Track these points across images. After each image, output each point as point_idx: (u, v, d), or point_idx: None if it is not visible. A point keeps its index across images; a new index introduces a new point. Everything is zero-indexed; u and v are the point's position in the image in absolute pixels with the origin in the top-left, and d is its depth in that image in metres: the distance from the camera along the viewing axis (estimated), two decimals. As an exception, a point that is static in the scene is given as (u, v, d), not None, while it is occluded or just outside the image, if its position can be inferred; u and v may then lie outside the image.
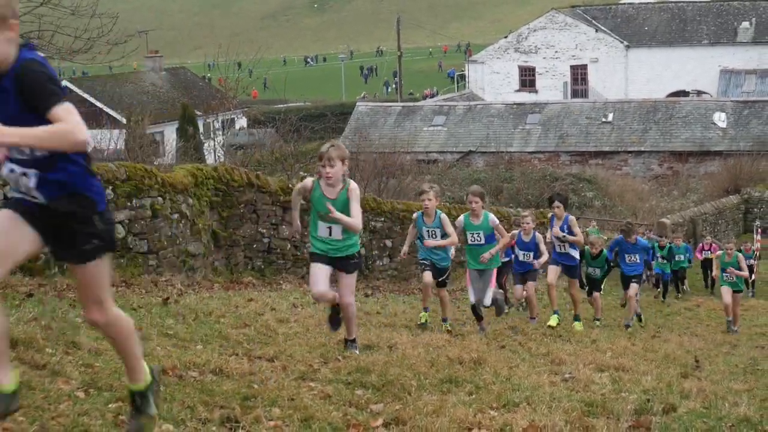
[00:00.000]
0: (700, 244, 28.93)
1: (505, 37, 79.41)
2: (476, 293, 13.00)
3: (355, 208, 9.00)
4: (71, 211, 4.84)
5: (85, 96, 56.61)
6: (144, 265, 13.37)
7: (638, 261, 17.24)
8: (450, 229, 12.31)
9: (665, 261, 24.59)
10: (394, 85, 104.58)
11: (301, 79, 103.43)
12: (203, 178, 15.26)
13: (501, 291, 15.12)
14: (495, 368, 9.12)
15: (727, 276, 18.27)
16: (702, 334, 17.09)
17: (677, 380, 9.72)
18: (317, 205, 9.03)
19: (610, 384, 8.99)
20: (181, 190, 14.43)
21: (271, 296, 13.67)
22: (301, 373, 7.89)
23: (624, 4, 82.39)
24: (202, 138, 43.32)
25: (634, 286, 17.31)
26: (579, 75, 75.46)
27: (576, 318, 15.34)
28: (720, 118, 53.22)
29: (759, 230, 34.67)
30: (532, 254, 15.32)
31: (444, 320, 12.97)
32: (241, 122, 53.47)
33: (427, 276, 12.71)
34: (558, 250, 15.19)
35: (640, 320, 17.88)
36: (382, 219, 20.42)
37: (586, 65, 75.04)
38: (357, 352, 9.28)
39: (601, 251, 17.40)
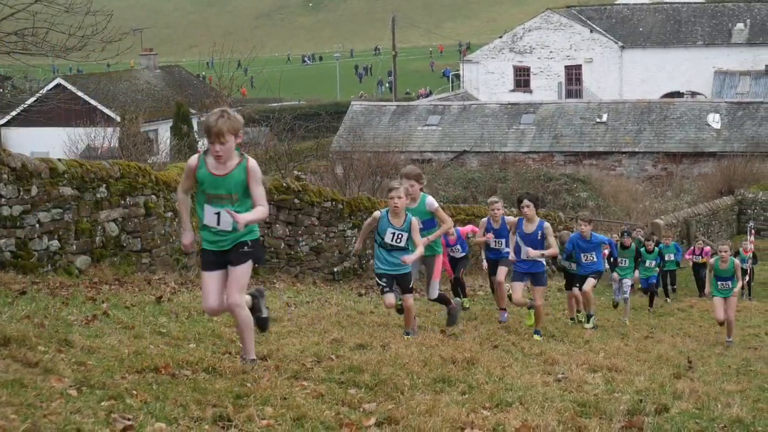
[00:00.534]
0: (692, 247, 28.04)
1: (500, 37, 79.38)
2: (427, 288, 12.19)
3: (257, 190, 7.60)
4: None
5: (79, 93, 56.53)
6: (137, 263, 13.36)
7: (596, 259, 15.88)
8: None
9: (653, 265, 22.08)
10: (387, 85, 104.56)
11: (295, 78, 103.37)
12: (197, 176, 15.21)
13: (458, 300, 13.84)
14: (488, 368, 9.13)
15: (721, 284, 16.36)
16: (695, 334, 17.10)
17: (670, 381, 9.73)
18: (205, 185, 7.59)
19: (602, 384, 9.00)
20: (175, 188, 14.40)
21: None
22: (294, 372, 7.88)
23: (619, 4, 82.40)
24: (196, 136, 43.30)
25: (590, 281, 15.85)
26: (573, 75, 75.48)
27: (536, 332, 13.32)
28: (714, 120, 53.26)
29: (752, 231, 34.65)
30: (504, 241, 14.34)
31: (407, 333, 11.13)
32: (236, 121, 53.29)
33: (389, 299, 11.08)
34: (524, 256, 13.37)
35: (588, 320, 15.94)
36: (376, 218, 20.39)
37: (581, 65, 75.06)
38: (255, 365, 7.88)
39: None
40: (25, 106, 50.93)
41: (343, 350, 9.23)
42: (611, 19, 77.14)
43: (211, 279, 7.65)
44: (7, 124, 58.39)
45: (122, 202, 13.10)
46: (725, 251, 16.40)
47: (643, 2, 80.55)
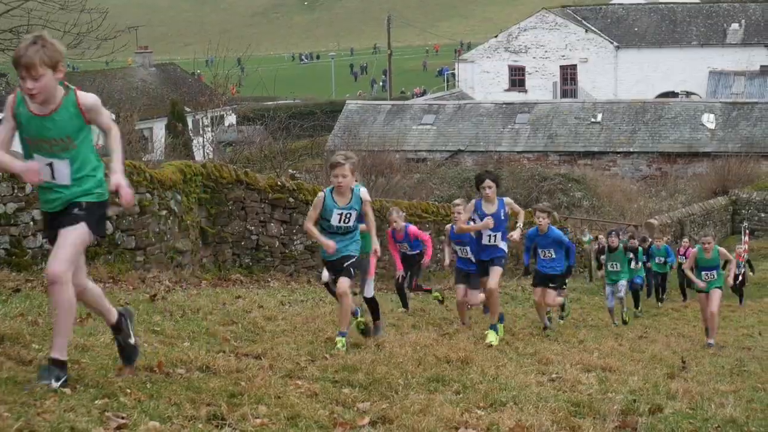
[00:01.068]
0: (678, 248, 26.85)
1: (495, 36, 79.45)
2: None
3: (101, 119, 6.31)
4: None
5: (74, 91, 56.39)
6: (131, 262, 13.35)
7: (554, 256, 14.25)
8: (369, 209, 10.06)
9: (638, 267, 21.37)
10: (381, 83, 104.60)
11: (291, 76, 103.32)
12: (192, 174, 15.23)
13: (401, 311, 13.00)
14: (482, 367, 9.13)
15: (705, 275, 15.46)
16: (689, 334, 17.11)
17: (664, 381, 9.73)
18: (28, 128, 6.28)
19: (596, 384, 9.00)
20: (170, 186, 14.41)
21: (258, 294, 13.66)
22: (288, 371, 7.88)
23: (614, 4, 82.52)
24: (191, 134, 43.27)
25: (550, 293, 14.57)
26: (568, 75, 75.57)
27: (492, 326, 12.15)
28: (709, 120, 53.35)
29: (746, 232, 34.74)
30: (468, 249, 13.35)
31: (340, 334, 9.74)
32: (231, 119, 53.38)
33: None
34: (486, 242, 12.53)
35: (544, 329, 14.44)
36: (371, 217, 20.39)
37: (576, 65, 75.16)
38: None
39: None
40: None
41: (337, 349, 9.23)
42: (606, 19, 77.24)
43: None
44: (2, 121, 58.14)
45: (116, 200, 13.07)
46: (708, 242, 15.40)
47: (638, 2, 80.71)
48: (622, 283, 18.41)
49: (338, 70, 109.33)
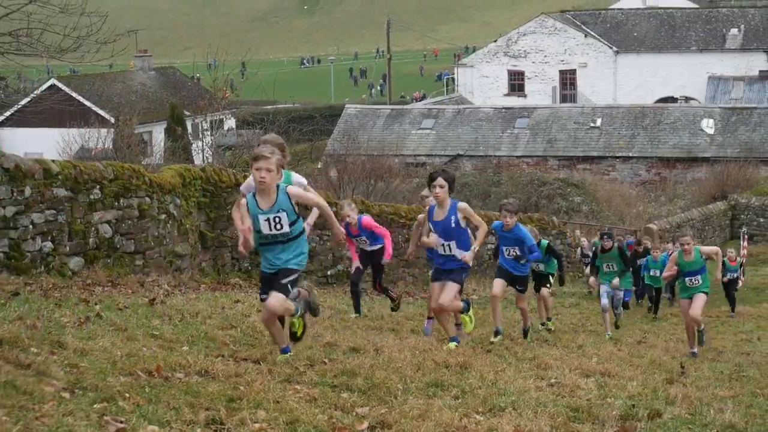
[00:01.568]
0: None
1: (495, 41, 79.49)
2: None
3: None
4: None
5: (74, 94, 56.48)
6: (131, 265, 13.34)
7: (518, 252, 13.02)
8: (312, 196, 9.09)
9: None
10: (378, 88, 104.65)
11: (290, 80, 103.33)
12: (191, 178, 15.23)
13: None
14: (481, 373, 9.12)
15: (689, 281, 14.12)
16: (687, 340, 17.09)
17: (663, 386, 9.73)
18: None
19: (595, 389, 9.00)
20: (169, 190, 14.40)
21: (257, 298, 13.65)
22: (287, 376, 7.88)
23: (613, 9, 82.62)
24: (190, 138, 43.26)
25: (521, 295, 13.55)
26: (568, 80, 75.61)
27: (453, 339, 11.16)
28: (708, 125, 53.38)
29: (746, 237, 34.75)
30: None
31: (284, 351, 8.70)
32: (230, 123, 53.40)
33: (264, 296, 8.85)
34: (441, 252, 11.11)
35: (525, 335, 13.77)
36: (370, 221, 20.39)
37: (575, 70, 75.20)
38: None
39: (539, 242, 15.81)
40: (19, 106, 50.86)
41: (336, 354, 9.23)
42: (606, 24, 77.31)
43: None
44: (1, 124, 58.39)
45: (116, 203, 13.07)
46: (687, 243, 13.94)
47: (637, 7, 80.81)
48: (619, 295, 17.89)
49: (337, 74, 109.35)
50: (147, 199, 13.78)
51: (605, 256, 17.25)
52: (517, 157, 53.97)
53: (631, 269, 18.83)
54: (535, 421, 7.12)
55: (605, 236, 17.50)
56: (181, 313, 10.55)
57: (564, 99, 73.99)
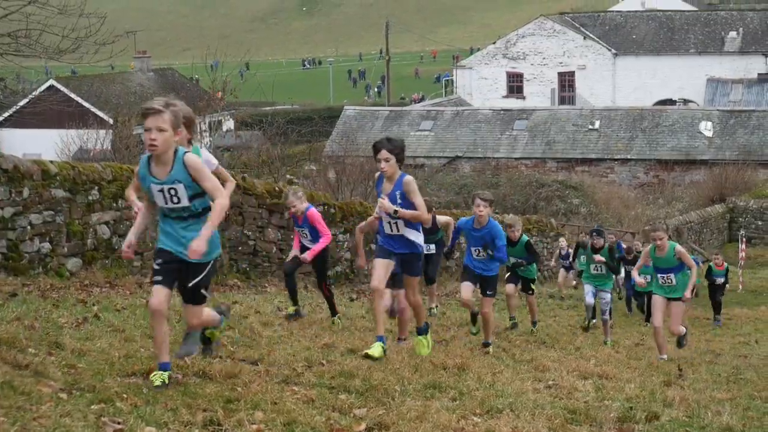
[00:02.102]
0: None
1: (494, 42, 79.51)
2: None
3: None
4: None
5: (72, 95, 56.46)
6: (128, 266, 13.34)
7: (489, 253, 11.75)
8: (210, 178, 7.06)
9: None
10: (376, 89, 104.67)
11: (289, 82, 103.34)
12: (189, 179, 15.20)
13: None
14: (479, 374, 9.13)
15: (662, 278, 13.21)
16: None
17: (660, 388, 9.73)
18: None
19: (593, 392, 9.00)
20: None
21: (255, 299, 13.66)
22: (285, 377, 7.88)
23: (612, 12, 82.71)
24: (189, 139, 43.16)
25: (487, 300, 12.02)
26: (566, 82, 75.61)
27: (421, 330, 10.02)
28: (706, 127, 53.38)
29: (744, 239, 34.75)
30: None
31: (162, 367, 7.04)
32: (229, 124, 53.37)
33: (156, 296, 7.06)
34: (388, 231, 9.53)
35: (486, 346, 11.99)
36: (368, 223, 20.39)
37: (574, 72, 75.21)
38: None
39: (521, 236, 14.84)
40: (18, 107, 50.82)
41: (334, 355, 9.23)
42: (604, 26, 77.33)
43: None
44: (0, 125, 58.39)
45: (114, 204, 13.07)
46: (660, 237, 12.99)
47: (636, 10, 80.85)
48: (606, 298, 15.96)
49: (336, 75, 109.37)
50: (145, 200, 13.77)
51: (594, 256, 15.69)
52: (515, 158, 53.97)
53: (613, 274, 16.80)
54: (532, 423, 7.13)
55: (595, 233, 15.96)
56: (178, 314, 10.55)
57: (563, 101, 74.01)
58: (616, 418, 7.76)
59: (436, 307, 15.86)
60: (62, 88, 57.61)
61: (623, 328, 18.73)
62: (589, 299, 16.16)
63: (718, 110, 56.81)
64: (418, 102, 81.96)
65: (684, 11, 79.28)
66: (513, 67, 76.04)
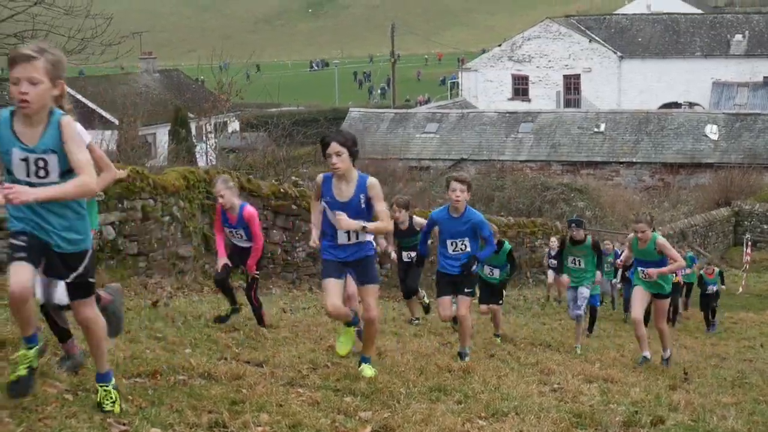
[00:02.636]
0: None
1: (499, 45, 79.48)
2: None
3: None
4: None
5: (78, 96, 56.45)
6: (134, 267, 13.35)
7: (468, 249, 10.09)
8: (82, 150, 5.74)
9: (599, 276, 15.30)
10: (379, 91, 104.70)
11: (294, 83, 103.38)
12: (195, 181, 15.24)
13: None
14: (484, 377, 9.12)
15: (644, 273, 12.39)
16: (691, 346, 17.09)
17: (666, 392, 9.72)
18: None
19: (598, 395, 8.99)
20: (173, 192, 14.40)
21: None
22: (290, 379, 7.87)
23: (618, 15, 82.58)
24: (194, 140, 43.29)
25: (465, 300, 10.30)
26: (572, 85, 75.57)
27: (364, 359, 8.61)
28: (712, 131, 53.34)
29: (749, 243, 34.71)
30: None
31: (29, 340, 6.15)
32: (234, 126, 53.42)
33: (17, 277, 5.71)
34: (343, 240, 8.24)
35: (462, 357, 10.41)
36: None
37: (580, 75, 75.14)
38: None
39: (504, 243, 13.62)
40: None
41: (339, 357, 9.22)
42: (610, 29, 77.25)
43: None
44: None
45: (119, 205, 13.08)
46: (642, 230, 12.17)
47: (642, 13, 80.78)
48: (583, 293, 14.48)
49: (342, 77, 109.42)
50: (151, 201, 13.79)
51: (574, 249, 14.41)
52: (520, 161, 53.96)
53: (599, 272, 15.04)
54: (537, 427, 7.12)
55: (573, 224, 14.51)
56: (184, 315, 10.55)
57: (568, 104, 73.96)
58: (622, 422, 7.75)
59: (418, 319, 14.54)
60: (68, 89, 57.46)
61: (628, 332, 18.68)
62: (572, 311, 14.69)
63: (723, 113, 56.75)
64: (424, 104, 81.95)
65: (690, 14, 79.17)
66: (518, 70, 76.00)
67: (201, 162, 37.43)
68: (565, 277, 14.54)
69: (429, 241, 10.70)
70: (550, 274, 23.48)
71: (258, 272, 10.84)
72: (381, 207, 8.08)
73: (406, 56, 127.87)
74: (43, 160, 5.53)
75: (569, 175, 52.46)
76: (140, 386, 6.80)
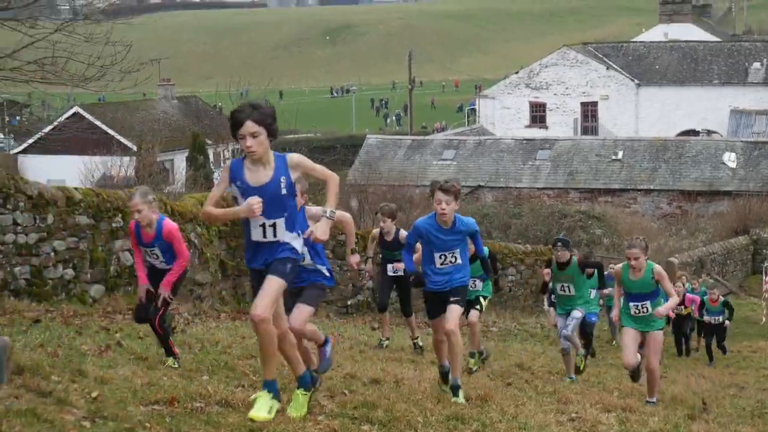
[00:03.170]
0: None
1: (516, 72, 79.58)
2: None
3: None
4: None
5: (97, 123, 56.83)
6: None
7: (458, 261, 9.08)
8: None
9: (592, 295, 14.64)
10: (394, 118, 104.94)
11: (312, 110, 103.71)
12: (213, 207, 15.24)
13: None
14: (501, 406, 9.06)
15: (635, 307, 10.98)
16: (709, 375, 16.98)
17: (684, 422, 9.65)
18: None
19: (617, 425, 8.93)
20: (190, 218, 14.43)
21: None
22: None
23: (635, 42, 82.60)
24: (212, 167, 43.46)
25: (454, 310, 9.09)
26: (589, 112, 75.53)
27: (303, 381, 7.69)
28: (730, 158, 53.20)
29: (767, 272, 34.49)
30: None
31: None
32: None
33: None
34: (258, 237, 7.18)
35: (455, 391, 9.21)
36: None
37: (597, 102, 75.13)
38: None
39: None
40: (43, 134, 51.13)
41: (356, 385, 9.19)
42: (627, 56, 77.28)
43: None
44: (24, 151, 58.85)
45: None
46: (636, 256, 10.73)
47: (659, 40, 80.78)
48: (576, 315, 13.19)
49: (359, 104, 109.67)
50: (168, 227, 13.80)
51: (560, 275, 12.98)
52: (538, 188, 53.90)
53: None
54: (556, 457, 7.07)
55: (560, 243, 13.00)
56: (201, 342, 10.55)
57: (585, 131, 73.90)
58: (641, 452, 7.69)
59: (388, 339, 13.92)
60: (87, 115, 58.01)
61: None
62: (563, 343, 13.35)
63: (741, 141, 56.63)
64: (440, 131, 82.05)
65: (707, 42, 79.17)
66: (536, 97, 76.03)
67: (218, 188, 37.51)
68: (551, 312, 13.41)
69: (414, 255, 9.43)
70: (551, 312, 23.08)
71: (172, 296, 9.28)
72: (319, 167, 7.34)
73: (424, 82, 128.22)
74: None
75: (587, 202, 52.35)
76: (157, 413, 6.78)
